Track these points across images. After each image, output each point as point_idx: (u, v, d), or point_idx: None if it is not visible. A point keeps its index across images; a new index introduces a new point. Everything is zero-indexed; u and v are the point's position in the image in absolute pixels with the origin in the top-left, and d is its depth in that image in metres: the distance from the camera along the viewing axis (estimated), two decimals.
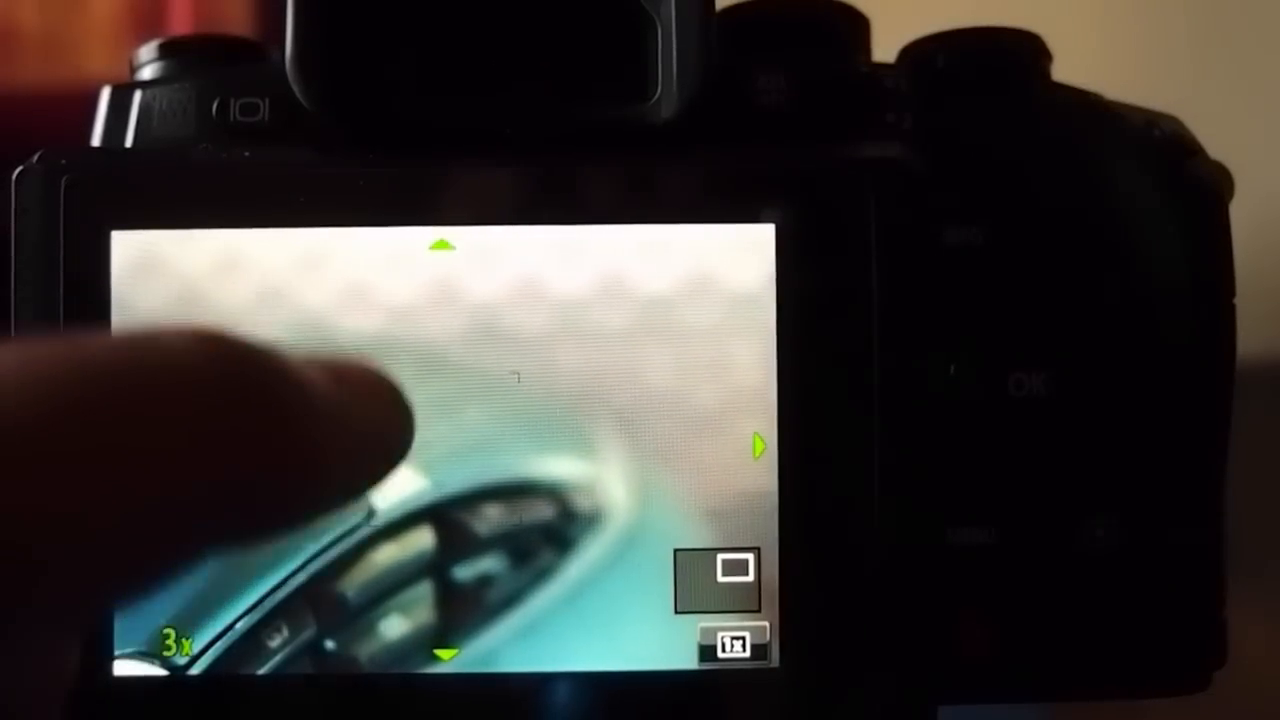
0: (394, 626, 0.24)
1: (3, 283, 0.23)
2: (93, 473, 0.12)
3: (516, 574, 0.24)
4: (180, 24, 0.53)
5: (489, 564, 0.24)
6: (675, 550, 0.24)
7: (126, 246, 0.23)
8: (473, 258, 0.24)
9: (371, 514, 0.24)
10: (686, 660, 0.24)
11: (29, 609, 0.12)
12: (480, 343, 0.24)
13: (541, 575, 0.24)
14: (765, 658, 0.24)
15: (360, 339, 0.24)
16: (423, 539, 0.24)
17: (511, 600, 0.24)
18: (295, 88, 0.24)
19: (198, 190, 0.24)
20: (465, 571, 0.24)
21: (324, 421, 0.14)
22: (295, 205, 0.24)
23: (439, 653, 0.24)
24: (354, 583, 0.24)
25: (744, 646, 0.24)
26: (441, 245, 0.24)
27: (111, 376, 0.13)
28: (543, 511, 0.24)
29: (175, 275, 0.24)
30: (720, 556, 0.24)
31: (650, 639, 0.24)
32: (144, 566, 0.13)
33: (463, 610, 0.24)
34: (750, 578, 0.24)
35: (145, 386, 0.13)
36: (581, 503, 0.24)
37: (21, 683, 0.14)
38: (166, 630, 0.24)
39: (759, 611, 0.24)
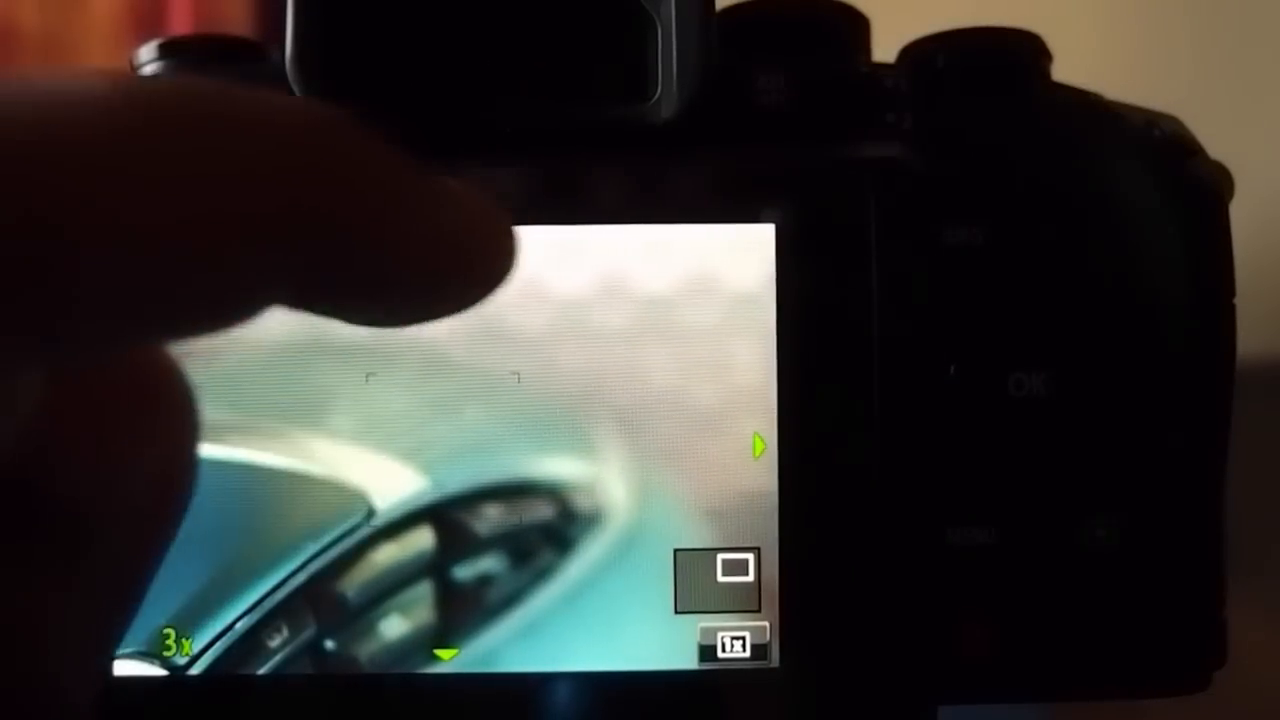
0: (394, 626, 0.24)
1: None
2: (171, 186, 0.12)
3: (516, 574, 0.24)
4: (180, 24, 0.54)
5: (489, 564, 0.24)
6: (675, 550, 0.24)
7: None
8: None
9: (371, 514, 0.24)
10: (686, 660, 0.24)
11: (81, 307, 0.12)
12: (480, 343, 0.24)
13: (541, 575, 0.24)
14: (765, 658, 0.24)
15: (360, 338, 0.24)
16: (423, 539, 0.24)
17: (511, 600, 0.24)
18: (295, 88, 0.24)
19: None
20: (465, 571, 0.24)
21: (419, 202, 0.14)
22: None
23: (439, 653, 0.24)
24: (354, 583, 0.24)
25: (744, 646, 0.24)
26: None
27: (205, 97, 0.13)
28: (543, 511, 0.24)
29: None
30: (720, 556, 0.24)
31: (650, 639, 0.24)
32: (206, 292, 0.12)
33: (463, 610, 0.24)
34: (750, 578, 0.24)
35: (242, 117, 0.13)
36: (581, 503, 0.24)
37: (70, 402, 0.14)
38: (166, 630, 0.24)
39: (759, 611, 0.24)
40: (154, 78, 0.12)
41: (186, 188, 0.12)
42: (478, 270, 0.15)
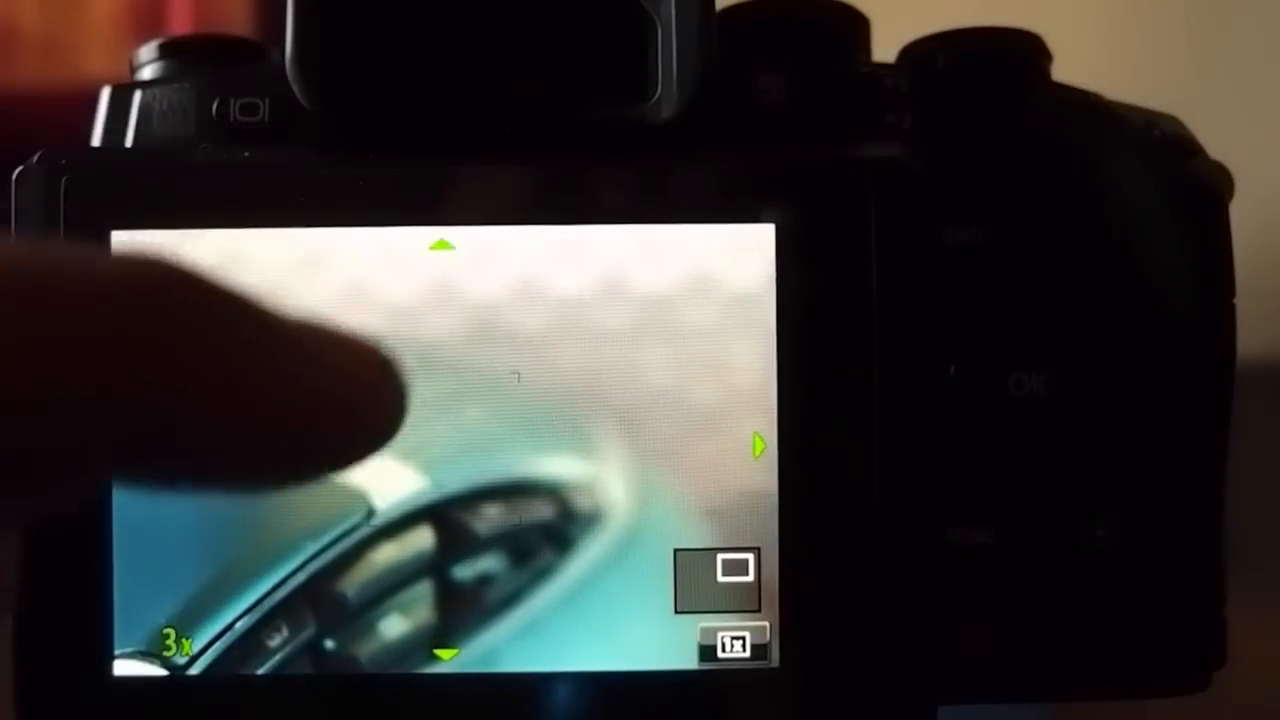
0: (394, 626, 0.24)
1: None
2: None
3: (516, 574, 0.24)
4: (180, 24, 0.53)
5: (489, 564, 0.24)
6: (675, 550, 0.24)
7: (126, 246, 0.23)
8: (473, 258, 0.24)
9: (371, 513, 0.24)
10: (686, 660, 0.24)
11: None
12: (480, 342, 0.24)
13: (541, 575, 0.24)
14: (765, 658, 0.24)
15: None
16: (422, 539, 0.24)
17: (511, 600, 0.24)
18: (295, 88, 0.24)
19: (198, 190, 0.24)
20: (465, 571, 0.24)
21: (274, 357, 0.13)
22: (295, 205, 0.24)
23: (439, 653, 0.24)
24: (354, 582, 0.24)
25: (744, 646, 0.24)
26: (441, 245, 0.24)
27: (12, 261, 0.11)
28: (543, 511, 0.24)
29: None
30: (720, 556, 0.24)
31: (650, 639, 0.24)
32: (27, 477, 0.11)
33: (463, 610, 0.24)
34: (750, 578, 0.24)
35: (53, 279, 0.11)
36: (581, 502, 0.24)
37: None
38: (166, 630, 0.24)
39: (759, 611, 0.24)
40: None
41: None
42: (347, 431, 0.13)
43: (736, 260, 0.24)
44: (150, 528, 0.23)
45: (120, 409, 0.11)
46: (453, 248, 0.24)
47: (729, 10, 0.26)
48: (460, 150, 0.24)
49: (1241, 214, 0.25)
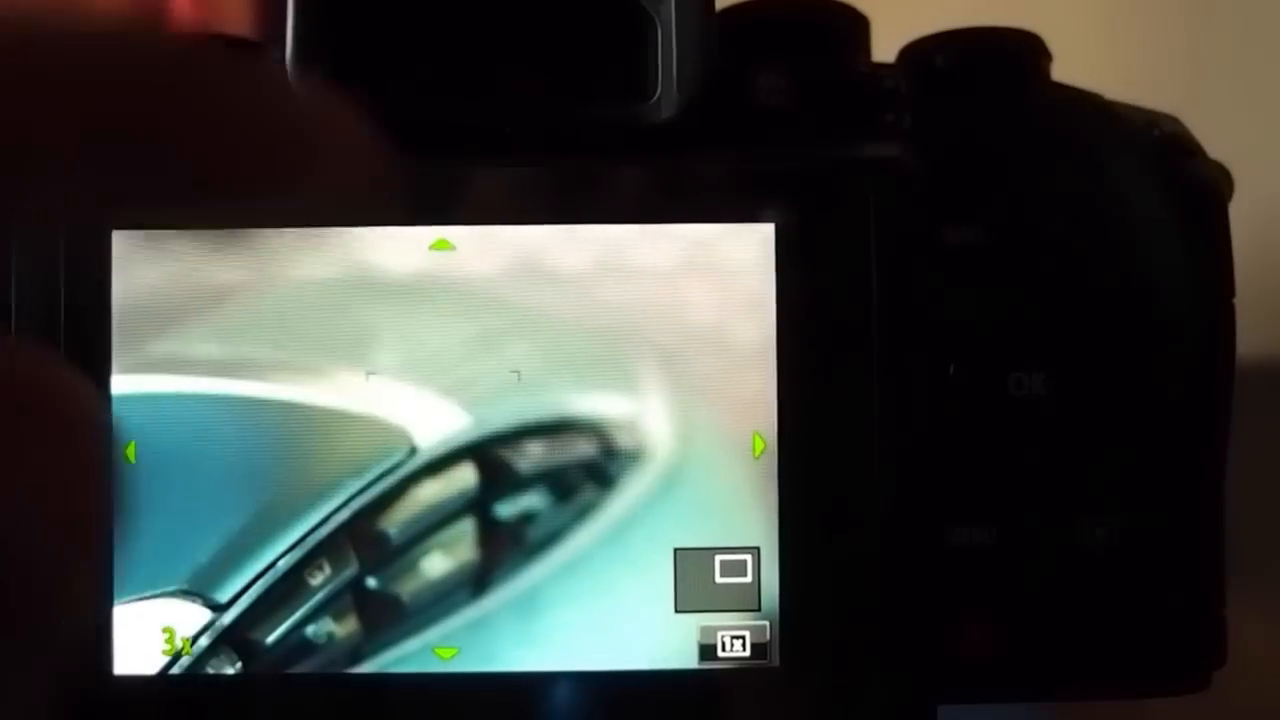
0: (436, 564, 0.24)
1: (2, 282, 0.23)
2: None
3: (558, 511, 0.24)
4: (180, 24, 0.53)
5: (531, 501, 0.24)
6: (675, 549, 0.24)
7: (127, 246, 0.23)
8: (473, 257, 0.24)
9: (414, 451, 0.24)
10: (687, 660, 0.24)
11: None
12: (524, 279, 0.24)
13: (582, 513, 0.24)
14: (765, 658, 0.24)
15: (404, 275, 0.24)
16: (465, 476, 0.24)
17: (552, 539, 0.24)
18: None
19: None
20: (507, 509, 0.24)
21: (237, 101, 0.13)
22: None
23: (439, 652, 0.24)
24: (396, 520, 0.24)
25: (744, 646, 0.24)
26: (441, 245, 0.24)
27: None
28: (584, 449, 0.24)
29: (175, 275, 0.24)
30: (720, 556, 0.24)
31: (650, 638, 0.24)
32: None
33: (504, 548, 0.24)
34: (750, 578, 0.24)
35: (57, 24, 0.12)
36: (623, 440, 0.24)
37: None
38: (167, 629, 0.23)
39: (759, 611, 0.24)
40: None
41: None
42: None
43: (736, 260, 0.24)
44: (187, 467, 0.23)
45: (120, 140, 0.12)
46: (453, 247, 0.24)
47: (729, 10, 0.26)
48: (460, 150, 0.24)
49: (1241, 214, 0.25)
